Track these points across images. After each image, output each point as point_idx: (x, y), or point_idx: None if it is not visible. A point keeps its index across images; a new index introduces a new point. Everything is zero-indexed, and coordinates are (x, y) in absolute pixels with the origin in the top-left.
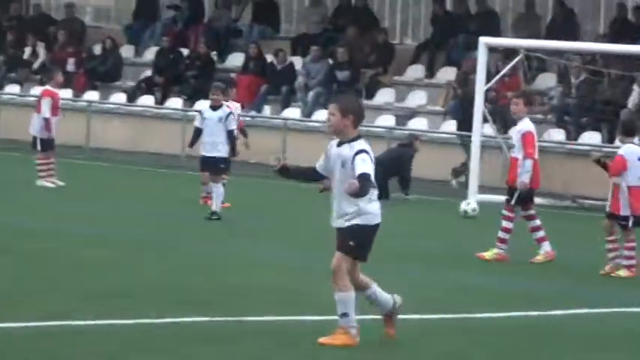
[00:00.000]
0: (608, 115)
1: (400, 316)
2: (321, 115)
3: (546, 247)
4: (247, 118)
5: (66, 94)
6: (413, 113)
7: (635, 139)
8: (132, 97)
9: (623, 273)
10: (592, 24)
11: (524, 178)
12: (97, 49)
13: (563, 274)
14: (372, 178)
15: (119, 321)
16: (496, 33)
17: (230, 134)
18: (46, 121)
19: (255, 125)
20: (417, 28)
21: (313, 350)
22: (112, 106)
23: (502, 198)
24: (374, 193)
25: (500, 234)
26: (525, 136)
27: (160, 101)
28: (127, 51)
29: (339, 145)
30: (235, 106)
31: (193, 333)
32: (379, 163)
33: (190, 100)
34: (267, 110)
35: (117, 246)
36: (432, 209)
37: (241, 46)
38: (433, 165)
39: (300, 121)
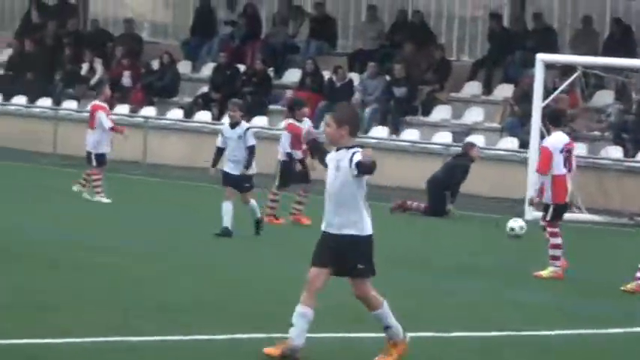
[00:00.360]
0: None
1: (461, 334)
2: (377, 131)
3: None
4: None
5: (123, 109)
6: (470, 130)
7: None
8: (189, 112)
9: None
10: None
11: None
12: (155, 65)
13: (623, 294)
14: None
15: (175, 337)
16: (553, 50)
17: (250, 150)
18: (112, 129)
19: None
20: (474, 45)
21: None
22: (168, 121)
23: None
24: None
25: (551, 252)
26: (540, 151)
27: (217, 117)
28: (184, 67)
29: (337, 150)
30: (307, 124)
31: (247, 350)
32: (435, 179)
33: (246, 116)
34: (322, 127)
35: (171, 261)
36: (487, 226)
37: (298, 62)
38: (490, 182)
39: (357, 137)
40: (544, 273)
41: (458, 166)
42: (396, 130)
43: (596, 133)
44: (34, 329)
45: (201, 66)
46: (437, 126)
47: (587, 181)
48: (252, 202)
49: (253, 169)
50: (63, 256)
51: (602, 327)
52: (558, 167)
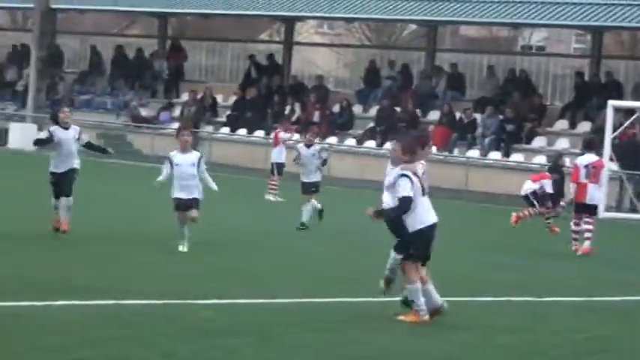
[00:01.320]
0: None
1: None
2: (493, 155)
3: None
4: (441, 157)
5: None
6: (560, 154)
7: None
8: (360, 141)
9: None
10: None
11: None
12: (336, 108)
13: None
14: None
15: (345, 299)
16: (620, 97)
17: (324, 162)
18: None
19: (447, 162)
20: (564, 94)
21: None
22: (345, 147)
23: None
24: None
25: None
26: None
27: (380, 144)
28: (357, 108)
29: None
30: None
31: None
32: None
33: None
34: (455, 151)
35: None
36: None
37: (437, 105)
38: None
39: (479, 159)
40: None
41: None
42: (507, 154)
43: None
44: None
45: (369, 108)
46: (535, 151)
47: None
48: (311, 204)
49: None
50: (267, 241)
51: None
52: (582, 178)
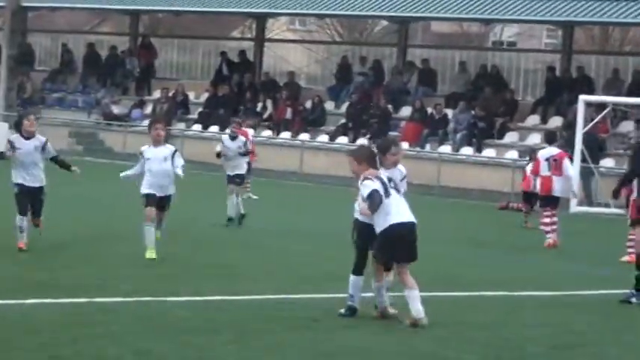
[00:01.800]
0: None
1: None
2: (465, 150)
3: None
4: (413, 153)
5: (286, 135)
6: (531, 150)
7: None
8: (332, 137)
9: None
10: None
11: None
12: (309, 104)
13: None
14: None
15: (321, 295)
16: (591, 92)
17: (245, 153)
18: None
19: (419, 157)
20: (535, 89)
21: None
22: (318, 143)
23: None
24: None
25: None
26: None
27: (353, 140)
28: (329, 105)
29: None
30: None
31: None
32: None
33: (371, 139)
34: (427, 147)
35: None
36: None
37: (409, 101)
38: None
39: (451, 154)
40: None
41: None
42: (478, 149)
43: (621, 151)
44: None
45: (341, 104)
46: (507, 147)
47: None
48: (235, 198)
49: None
50: (241, 239)
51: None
52: (544, 171)
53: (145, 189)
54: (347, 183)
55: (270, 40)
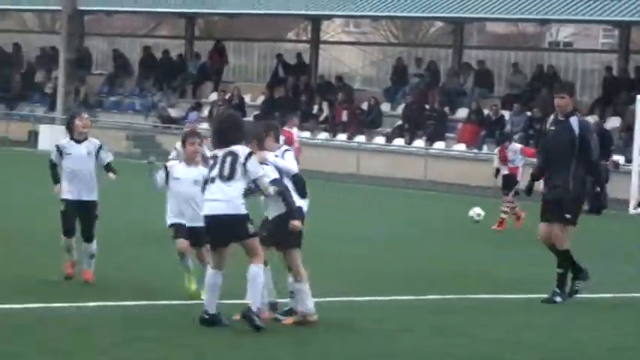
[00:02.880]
0: None
1: None
2: None
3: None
4: (470, 154)
5: (342, 137)
6: None
7: None
8: (389, 139)
9: None
10: None
11: None
12: (365, 106)
13: None
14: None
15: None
16: None
17: None
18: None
19: (477, 160)
20: (592, 89)
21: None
22: (374, 145)
23: None
24: None
25: None
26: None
27: (409, 142)
28: (385, 106)
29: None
30: None
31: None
32: None
33: (429, 141)
34: (484, 148)
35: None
36: None
37: (465, 102)
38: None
39: None
40: None
41: None
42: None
43: None
44: None
45: (397, 106)
46: None
47: None
48: None
49: None
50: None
51: None
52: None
53: (171, 218)
54: (404, 184)
55: (326, 42)
